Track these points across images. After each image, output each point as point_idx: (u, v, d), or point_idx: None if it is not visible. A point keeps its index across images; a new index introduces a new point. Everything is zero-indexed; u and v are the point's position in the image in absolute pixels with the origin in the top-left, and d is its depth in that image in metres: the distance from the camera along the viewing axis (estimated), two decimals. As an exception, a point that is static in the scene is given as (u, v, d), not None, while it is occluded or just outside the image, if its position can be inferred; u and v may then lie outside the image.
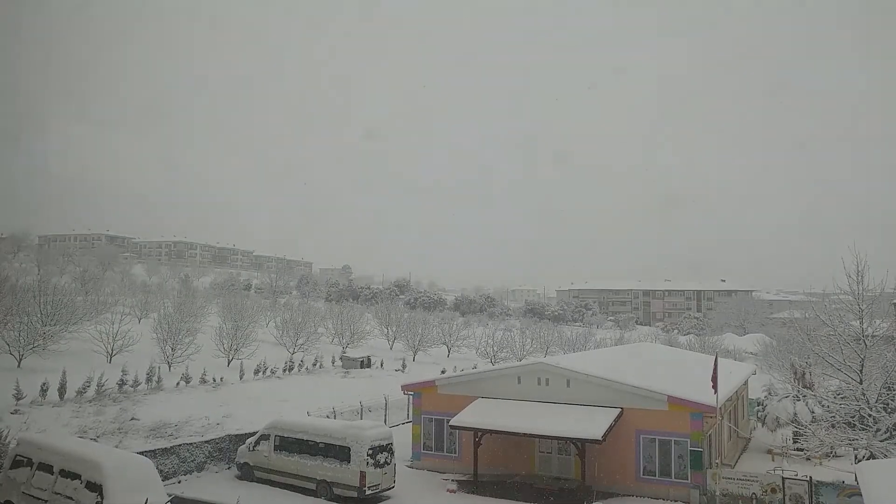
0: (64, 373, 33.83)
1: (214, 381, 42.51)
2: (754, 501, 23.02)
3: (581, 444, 24.23)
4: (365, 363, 56.84)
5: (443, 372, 50.77)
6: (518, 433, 25.34)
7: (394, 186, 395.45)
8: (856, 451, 29.54)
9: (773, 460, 31.52)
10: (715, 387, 24.60)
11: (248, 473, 26.25)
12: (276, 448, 25.73)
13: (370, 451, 23.80)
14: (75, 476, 18.64)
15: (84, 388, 34.58)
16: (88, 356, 43.71)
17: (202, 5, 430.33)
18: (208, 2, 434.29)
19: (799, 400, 33.94)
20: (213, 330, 53.56)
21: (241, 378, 44.84)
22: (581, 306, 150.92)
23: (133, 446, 25.64)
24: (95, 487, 18.00)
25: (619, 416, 25.17)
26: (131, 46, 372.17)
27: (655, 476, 25.10)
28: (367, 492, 23.61)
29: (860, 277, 27.55)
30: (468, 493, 25.39)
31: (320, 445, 24.57)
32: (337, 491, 23.95)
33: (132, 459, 19.53)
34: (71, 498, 18.41)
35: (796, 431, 34.20)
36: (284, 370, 50.21)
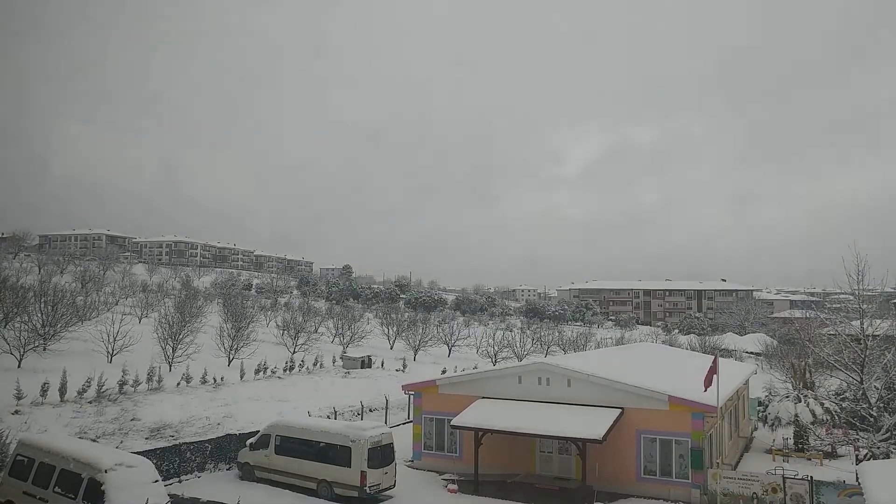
0: (64, 373, 33.78)
1: (215, 381, 42.49)
2: (755, 501, 23.00)
3: (582, 444, 24.21)
4: (365, 363, 56.82)
5: (443, 372, 50.76)
6: (519, 433, 25.33)
7: (394, 186, 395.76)
8: (857, 451, 29.55)
9: (773, 460, 31.50)
10: (706, 385, 24.60)
11: (248, 473, 26.24)
12: (276, 448, 25.71)
13: (371, 451, 23.79)
14: (76, 477, 18.63)
15: (84, 389, 34.55)
16: (89, 356, 43.67)
17: (203, 6, 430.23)
18: (209, 2, 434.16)
19: (800, 401, 33.90)
20: (214, 330, 53.55)
21: (241, 378, 44.82)
22: (581, 306, 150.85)
23: (133, 446, 25.60)
24: (96, 488, 18.00)
25: (619, 416, 25.15)
26: (132, 47, 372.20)
27: (656, 476, 25.08)
28: (368, 491, 23.61)
29: (860, 277, 27.54)
30: (469, 492, 25.39)
31: (321, 445, 24.55)
32: (338, 491, 23.94)
33: (132, 460, 19.51)
34: (72, 498, 18.40)
35: (797, 431, 34.22)
36: (285, 370, 50.19)
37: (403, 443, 28.95)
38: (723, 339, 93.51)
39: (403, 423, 36.33)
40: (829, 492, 22.41)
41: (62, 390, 33.03)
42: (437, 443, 29.41)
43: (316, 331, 69.78)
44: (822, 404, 33.46)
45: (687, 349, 71.12)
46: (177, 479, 24.72)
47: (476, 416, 26.53)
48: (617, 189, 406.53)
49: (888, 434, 27.74)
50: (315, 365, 54.00)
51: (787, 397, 34.97)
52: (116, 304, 67.41)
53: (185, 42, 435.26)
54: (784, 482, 22.91)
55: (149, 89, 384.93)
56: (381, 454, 24.32)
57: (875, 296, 28.56)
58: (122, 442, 27.64)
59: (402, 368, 58.52)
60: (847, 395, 34.25)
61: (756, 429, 38.88)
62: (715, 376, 24.94)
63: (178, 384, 40.06)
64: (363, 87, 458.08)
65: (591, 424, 24.19)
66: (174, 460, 25.04)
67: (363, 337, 71.93)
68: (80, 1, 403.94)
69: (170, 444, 25.91)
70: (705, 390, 24.69)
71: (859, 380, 28.96)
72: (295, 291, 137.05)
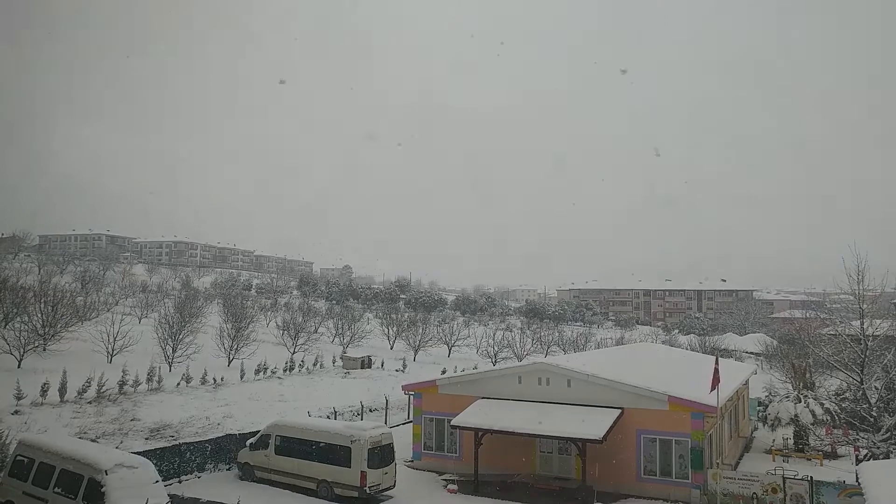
0: (64, 373, 33.80)
1: (215, 381, 42.50)
2: (755, 501, 23.00)
3: (582, 444, 24.20)
4: (365, 363, 56.84)
5: (443, 372, 50.75)
6: (519, 433, 25.31)
7: (394, 186, 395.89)
8: (857, 452, 29.58)
9: (773, 460, 31.52)
10: (713, 387, 24.61)
11: (248, 474, 26.25)
12: (276, 448, 25.71)
13: (371, 452, 23.78)
14: (76, 477, 18.63)
15: (84, 389, 34.56)
16: (89, 356, 43.70)
17: (203, 6, 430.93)
18: (209, 2, 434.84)
19: (800, 401, 33.91)
20: (214, 330, 53.58)
21: (241, 378, 44.84)
22: (581, 306, 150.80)
23: (133, 447, 25.58)
24: (96, 488, 18.01)
25: (619, 416, 25.14)
26: (131, 47, 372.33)
27: (656, 476, 25.07)
28: (368, 492, 23.60)
29: (860, 277, 27.56)
30: (469, 493, 25.38)
31: (321, 445, 24.54)
32: (338, 491, 23.94)
33: (133, 460, 19.52)
34: (72, 499, 18.41)
35: (797, 432, 34.25)
36: (285, 370, 50.20)
37: (403, 443, 28.95)
38: (723, 340, 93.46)
39: (403, 424, 36.33)
40: (829, 492, 22.41)
41: (62, 390, 33.04)
42: (437, 443, 29.40)
43: (316, 331, 69.81)
44: (822, 404, 33.46)
45: (687, 349, 71.14)
46: (177, 480, 24.71)
47: (476, 416, 26.53)
48: (615, 189, 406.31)
49: (888, 434, 27.77)
50: (315, 365, 54.02)
51: (787, 397, 34.97)
52: (116, 305, 67.41)
53: (186, 42, 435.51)
54: (784, 482, 22.91)
55: (149, 89, 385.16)
56: (381, 454, 24.31)
57: (876, 296, 28.53)
58: (121, 442, 27.63)
59: (402, 369, 58.55)
60: (847, 395, 34.27)
61: (756, 429, 38.88)
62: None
63: (178, 384, 40.07)
64: (363, 86, 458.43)
65: (591, 424, 24.18)
66: (174, 460, 25.03)
67: (363, 337, 71.97)
68: (79, 1, 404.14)
69: (170, 445, 25.88)
70: (710, 392, 24.67)
71: (859, 380, 29.00)
72: (295, 291, 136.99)
